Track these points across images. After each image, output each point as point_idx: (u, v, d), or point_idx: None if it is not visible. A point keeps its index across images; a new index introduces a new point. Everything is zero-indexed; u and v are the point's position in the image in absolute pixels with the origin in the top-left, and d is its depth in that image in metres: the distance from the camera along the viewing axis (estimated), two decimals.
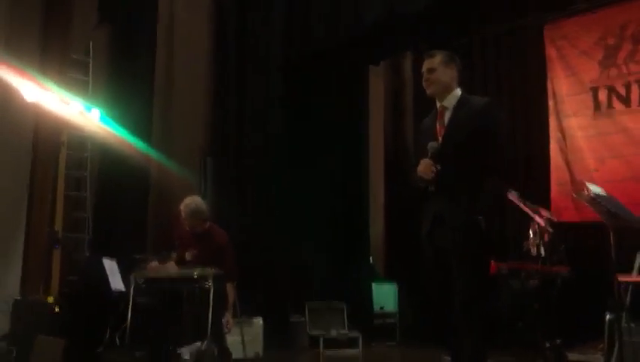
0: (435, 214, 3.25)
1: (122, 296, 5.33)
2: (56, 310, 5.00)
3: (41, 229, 5.73)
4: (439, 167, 3.18)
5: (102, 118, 6.28)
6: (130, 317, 5.10)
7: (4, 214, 5.71)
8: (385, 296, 7.59)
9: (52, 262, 5.73)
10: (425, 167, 3.21)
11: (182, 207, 5.35)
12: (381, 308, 7.49)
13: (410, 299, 7.61)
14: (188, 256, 5.33)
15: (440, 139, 3.25)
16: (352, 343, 6.65)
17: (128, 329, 5.09)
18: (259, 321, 5.98)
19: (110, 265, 5.45)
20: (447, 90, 3.32)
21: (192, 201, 5.39)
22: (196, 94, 7.27)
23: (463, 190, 3.16)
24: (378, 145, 8.70)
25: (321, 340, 6.51)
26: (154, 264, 5.23)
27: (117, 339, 5.35)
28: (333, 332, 6.66)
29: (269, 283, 6.92)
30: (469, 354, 3.19)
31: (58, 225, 5.90)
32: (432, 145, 3.23)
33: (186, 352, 5.33)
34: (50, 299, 5.25)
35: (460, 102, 3.30)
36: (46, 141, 5.90)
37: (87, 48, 6.66)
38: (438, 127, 3.30)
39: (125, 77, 6.74)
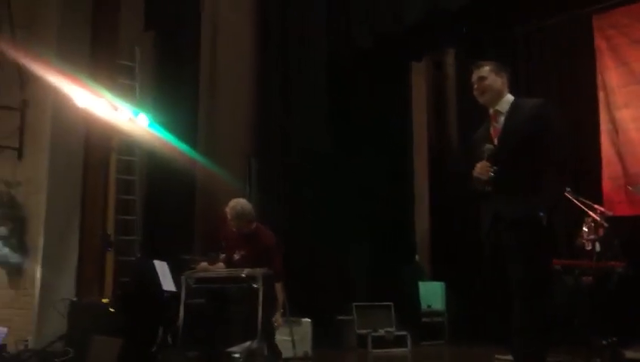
0: (494, 213, 3.26)
1: (174, 296, 5.40)
2: (111, 311, 5.11)
3: (94, 232, 5.86)
4: (496, 168, 3.21)
5: (149, 123, 6.39)
6: (182, 318, 5.19)
7: (59, 218, 5.86)
8: (432, 294, 7.52)
9: (105, 265, 5.85)
10: (482, 169, 3.24)
11: (227, 209, 5.39)
12: (429, 306, 7.42)
13: (458, 298, 7.53)
14: (236, 256, 5.38)
15: (495, 142, 3.28)
16: (400, 342, 6.62)
17: (180, 330, 5.17)
18: (307, 321, 6.00)
19: (161, 267, 5.54)
20: (500, 95, 3.36)
21: (237, 203, 5.41)
22: (240, 96, 7.34)
23: (521, 189, 3.18)
24: (422, 143, 8.63)
25: (369, 339, 6.50)
26: (203, 264, 5.30)
27: (169, 339, 5.43)
28: (381, 331, 6.64)
29: (317, 283, 6.93)
30: (528, 352, 3.18)
31: (110, 228, 6.02)
32: (488, 147, 3.26)
33: (236, 351, 5.39)
34: (105, 300, 5.37)
35: (513, 106, 3.34)
36: (97, 146, 6.03)
37: (134, 54, 6.78)
38: (492, 131, 3.34)
39: (171, 81, 6.85)
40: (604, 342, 4.80)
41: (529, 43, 7.45)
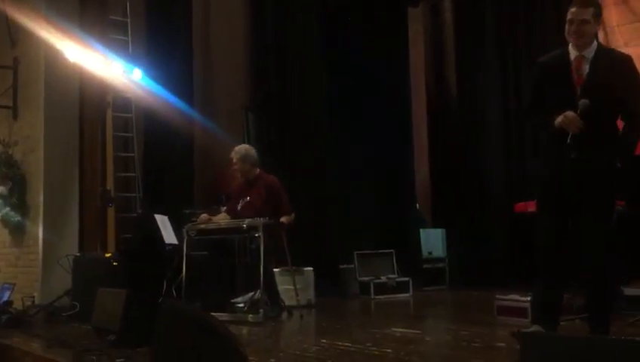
0: (568, 160, 3.24)
1: (176, 249, 5.46)
2: (115, 264, 5.17)
3: (93, 189, 5.89)
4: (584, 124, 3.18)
5: (143, 78, 6.33)
6: (185, 269, 5.25)
7: (58, 176, 5.88)
8: (433, 241, 7.58)
9: (107, 221, 5.90)
10: (572, 123, 3.19)
11: (232, 154, 5.48)
12: (429, 253, 7.49)
13: (458, 244, 7.60)
14: (240, 205, 5.43)
15: (578, 89, 3.27)
16: (402, 288, 6.71)
17: (184, 281, 5.25)
18: (310, 270, 6.07)
19: (162, 220, 5.57)
20: (591, 41, 3.31)
21: (242, 147, 5.58)
22: (235, 48, 7.25)
23: (600, 137, 3.21)
24: (420, 91, 8.55)
25: (372, 285, 6.58)
26: (204, 216, 5.34)
27: (174, 291, 5.50)
28: (383, 278, 6.72)
29: (319, 233, 6.98)
30: (604, 296, 3.37)
31: (110, 185, 6.04)
32: (583, 102, 3.20)
33: (240, 301, 5.47)
34: (109, 255, 5.43)
35: (598, 53, 3.30)
36: (92, 102, 6.00)
37: (125, 8, 6.67)
38: (575, 77, 3.29)
39: (164, 36, 6.73)
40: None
41: None
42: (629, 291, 5.02)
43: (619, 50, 6.33)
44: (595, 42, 3.32)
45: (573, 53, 3.31)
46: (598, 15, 3.31)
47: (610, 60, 3.28)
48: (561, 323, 3.68)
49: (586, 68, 3.27)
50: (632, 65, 3.28)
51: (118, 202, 6.20)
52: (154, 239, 5.47)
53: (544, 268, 3.45)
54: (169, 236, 5.56)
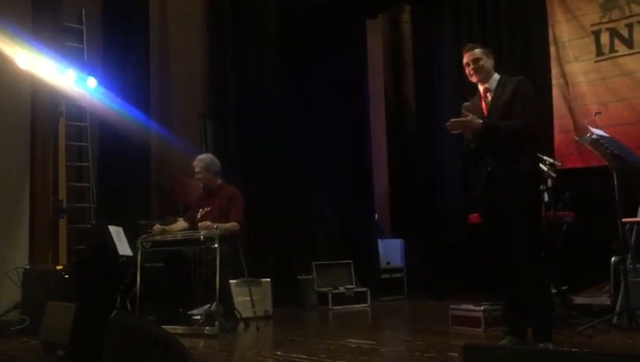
0: (486, 175, 3.75)
1: (130, 261, 5.37)
2: (66, 277, 5.04)
3: (45, 200, 5.73)
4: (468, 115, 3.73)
5: (98, 87, 6.23)
6: (140, 282, 5.16)
7: (8, 186, 5.71)
8: (391, 251, 7.64)
9: (58, 232, 5.75)
10: (459, 125, 3.74)
11: (196, 162, 5.48)
12: (388, 263, 7.54)
13: (416, 254, 7.67)
14: (200, 214, 5.39)
15: (485, 114, 3.84)
16: (360, 298, 6.73)
17: (138, 294, 5.15)
18: (267, 281, 6.04)
19: (116, 231, 5.47)
20: (490, 74, 3.89)
21: (207, 156, 5.60)
22: (192, 57, 7.20)
23: (509, 152, 3.69)
24: (379, 101, 8.63)
25: (330, 296, 6.59)
26: (158, 227, 5.27)
27: (128, 304, 5.40)
28: (341, 289, 6.73)
29: (277, 243, 6.95)
30: (539, 301, 3.63)
31: (62, 195, 5.89)
32: (465, 104, 3.84)
33: (196, 313, 5.40)
34: (59, 267, 5.29)
35: (500, 83, 3.86)
36: (44, 111, 5.85)
37: (80, 16, 6.55)
38: (483, 105, 3.86)
39: (120, 44, 6.62)
40: (554, 290, 4.95)
41: None
42: (578, 300, 5.15)
43: (569, 64, 6.62)
44: (497, 75, 3.89)
45: (480, 88, 3.91)
46: (487, 53, 3.90)
47: (509, 85, 3.80)
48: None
49: (490, 95, 3.85)
50: (523, 85, 3.80)
51: (70, 213, 6.06)
52: (107, 251, 5.37)
53: (502, 279, 3.80)
54: (123, 247, 5.46)
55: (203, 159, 5.48)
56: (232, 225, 5.16)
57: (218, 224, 5.04)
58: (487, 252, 3.90)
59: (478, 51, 3.87)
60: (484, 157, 3.78)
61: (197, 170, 5.43)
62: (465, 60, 3.90)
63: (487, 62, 3.87)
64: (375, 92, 8.43)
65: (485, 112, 3.83)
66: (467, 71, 3.90)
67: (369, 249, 7.61)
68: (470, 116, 3.72)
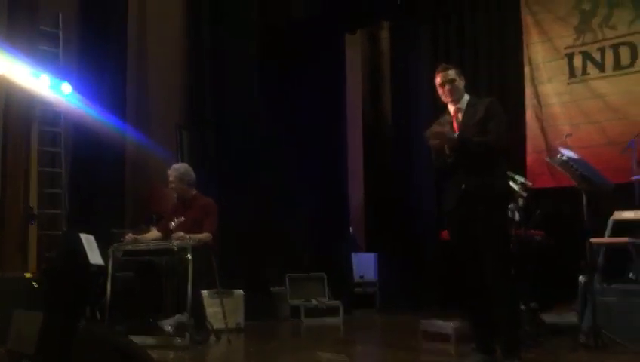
0: (460, 191, 3.77)
1: (101, 270, 5.30)
2: (35, 285, 4.96)
3: (15, 205, 5.64)
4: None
5: (74, 92, 6.18)
6: (110, 291, 5.10)
7: None
8: (365, 265, 7.67)
9: (28, 239, 5.65)
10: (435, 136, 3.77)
11: (170, 171, 5.43)
12: (361, 277, 7.57)
13: (389, 268, 7.70)
14: (173, 224, 5.35)
15: (458, 133, 3.86)
16: (332, 311, 6.73)
17: (108, 303, 5.09)
18: (239, 292, 6.01)
19: (87, 239, 5.40)
20: (462, 95, 3.96)
21: (181, 166, 5.56)
22: (171, 65, 7.16)
23: (483, 169, 3.75)
24: (356, 116, 8.68)
25: (302, 309, 6.58)
26: (130, 236, 5.21)
27: (98, 314, 5.33)
28: (314, 301, 6.73)
29: (251, 255, 6.92)
30: (509, 318, 3.67)
31: (33, 202, 5.80)
32: (438, 121, 3.91)
33: (166, 324, 5.34)
34: (28, 275, 5.20)
35: (470, 102, 3.94)
36: (17, 116, 5.76)
37: (57, 20, 6.49)
38: (455, 124, 3.91)
39: (97, 49, 6.57)
40: (524, 308, 5.01)
41: (462, 18, 7.58)
42: (547, 318, 5.22)
43: (543, 85, 6.76)
44: (467, 96, 3.96)
45: (451, 108, 3.97)
46: (460, 74, 3.97)
47: (480, 106, 3.89)
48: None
49: (461, 115, 3.92)
50: (494, 106, 3.90)
51: (42, 219, 5.97)
52: (78, 259, 5.30)
53: (466, 298, 3.85)
54: (94, 256, 5.39)
55: (177, 169, 5.45)
56: (205, 235, 5.14)
57: (191, 235, 5.01)
58: (457, 268, 3.92)
59: (452, 72, 3.93)
60: (457, 174, 3.82)
61: (171, 179, 5.40)
62: (439, 81, 3.95)
63: (461, 83, 3.95)
64: (353, 106, 8.48)
65: (457, 131, 3.88)
66: (440, 91, 3.95)
67: (343, 262, 7.63)
68: (446, 128, 3.79)
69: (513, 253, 5.08)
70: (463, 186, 3.77)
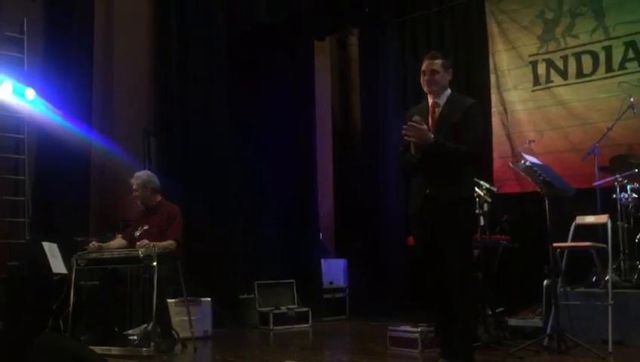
0: (425, 194, 3.68)
1: (64, 279, 5.20)
2: None
3: None
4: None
5: (38, 98, 6.08)
6: (73, 301, 5.01)
7: None
8: (334, 271, 7.67)
9: None
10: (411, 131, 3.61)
11: (133, 179, 5.41)
12: (330, 282, 7.56)
13: (359, 274, 7.71)
14: (138, 233, 5.30)
15: (432, 130, 3.69)
16: (302, 318, 6.71)
17: (71, 313, 5.00)
18: (207, 300, 5.96)
19: (50, 248, 5.30)
20: (443, 89, 3.78)
21: (144, 173, 5.52)
22: (138, 71, 7.08)
23: (449, 176, 3.65)
24: (326, 122, 8.70)
25: (271, 316, 6.54)
26: (94, 244, 5.13)
27: (61, 324, 5.23)
28: (283, 308, 6.70)
29: (218, 262, 6.86)
30: (463, 325, 3.63)
31: None
32: (416, 118, 3.66)
33: (132, 334, 5.27)
34: None
35: (450, 100, 3.76)
36: None
37: (22, 24, 6.38)
38: (430, 120, 3.74)
39: (63, 54, 6.46)
40: (490, 312, 5.07)
41: (429, 25, 7.66)
42: (512, 321, 5.28)
43: (508, 92, 6.85)
44: (449, 90, 3.79)
45: (430, 100, 3.80)
46: (447, 66, 3.77)
47: (458, 106, 3.73)
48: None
49: (438, 112, 3.75)
50: (475, 110, 3.76)
51: (4, 227, 5.85)
52: (40, 268, 5.20)
53: (431, 302, 3.80)
54: (57, 265, 5.30)
55: (140, 176, 5.40)
56: (169, 243, 5.09)
57: (155, 243, 4.95)
58: (420, 272, 3.91)
59: (438, 62, 3.73)
60: (421, 176, 3.71)
61: (134, 187, 5.36)
62: (423, 67, 3.76)
63: (444, 77, 3.75)
64: (322, 112, 8.50)
65: (431, 128, 3.72)
66: (422, 78, 3.77)
67: (312, 268, 7.61)
68: (426, 127, 3.63)
69: (478, 258, 5.15)
70: (427, 191, 3.69)
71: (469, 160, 3.76)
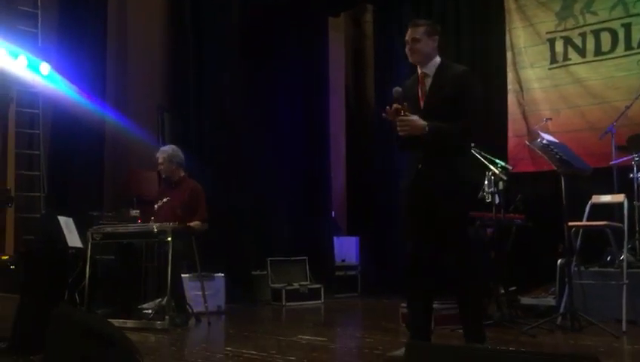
0: (419, 169, 3.45)
1: (80, 253, 5.26)
2: (12, 267, 4.91)
3: None
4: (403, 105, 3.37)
5: (52, 73, 6.08)
6: (89, 275, 5.07)
7: None
8: (346, 249, 7.69)
9: (5, 221, 5.58)
10: (390, 114, 3.40)
11: (158, 153, 5.51)
12: (343, 260, 7.59)
13: (371, 252, 7.73)
14: (159, 204, 5.38)
15: (421, 103, 3.49)
16: (314, 295, 6.75)
17: (87, 287, 5.06)
18: (220, 276, 6.00)
19: (66, 222, 5.34)
20: (429, 58, 3.52)
21: (170, 147, 5.60)
22: (151, 47, 7.07)
23: (445, 153, 3.40)
24: (339, 100, 8.66)
25: (283, 292, 6.59)
26: None
27: (77, 297, 5.29)
28: (295, 285, 6.74)
29: (232, 238, 6.90)
30: (473, 301, 3.46)
31: (10, 184, 5.73)
32: (396, 90, 3.44)
33: (147, 308, 5.33)
34: (5, 258, 5.14)
35: (440, 69, 3.51)
36: None
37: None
38: (420, 92, 3.51)
39: (77, 29, 6.45)
40: (502, 291, 5.07)
41: (445, 1, 7.56)
42: (525, 300, 5.28)
43: (525, 70, 6.75)
44: (438, 59, 3.54)
45: (419, 71, 3.55)
46: (430, 32, 3.51)
47: (450, 75, 3.49)
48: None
49: (428, 82, 3.50)
50: (468, 79, 3.51)
51: (19, 202, 5.89)
52: (56, 242, 5.25)
53: (407, 280, 3.61)
54: (73, 239, 5.34)
55: (165, 150, 5.52)
56: (199, 224, 5.25)
57: (189, 223, 5.14)
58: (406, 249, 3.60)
59: (420, 29, 3.49)
60: (416, 149, 3.46)
61: (160, 160, 5.49)
62: (406, 37, 3.54)
63: (427, 45, 3.48)
64: (336, 89, 8.46)
65: (421, 101, 3.50)
66: (406, 49, 3.54)
67: (324, 246, 7.64)
68: (415, 117, 3.36)
69: (491, 237, 5.14)
70: (420, 166, 3.45)
71: (467, 136, 3.56)
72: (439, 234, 3.43)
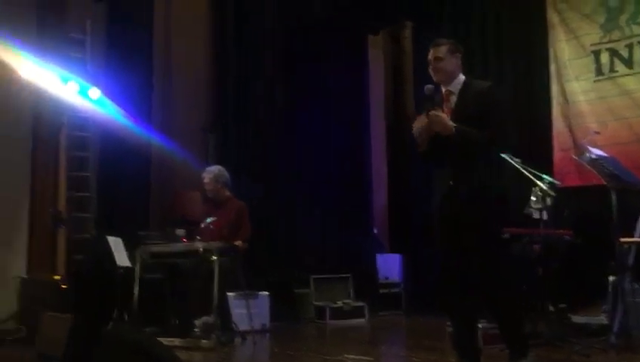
0: (445, 188, 3.45)
1: (129, 272, 5.37)
2: (63, 287, 5.05)
3: (44, 210, 5.76)
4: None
5: (101, 98, 6.27)
6: (138, 294, 5.17)
7: (8, 195, 5.73)
8: (390, 266, 7.64)
9: (57, 242, 5.76)
10: (418, 122, 3.42)
11: (205, 173, 5.62)
12: (386, 278, 7.53)
13: (414, 270, 7.65)
14: (206, 222, 5.45)
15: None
16: (357, 313, 6.72)
17: (135, 306, 5.16)
18: (265, 294, 6.04)
19: (115, 242, 5.48)
20: (453, 76, 3.54)
21: (216, 168, 5.72)
22: (196, 69, 7.23)
23: (471, 165, 3.39)
24: (379, 117, 8.67)
25: (327, 310, 6.57)
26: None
27: (125, 316, 5.40)
28: (339, 303, 6.72)
29: (275, 256, 6.95)
30: (510, 321, 3.43)
31: (62, 205, 5.91)
32: (428, 87, 3.45)
33: (194, 325, 5.39)
34: (57, 278, 5.30)
35: (465, 86, 3.53)
36: (46, 122, 5.89)
37: (85, 26, 6.60)
38: (445, 110, 3.50)
39: (124, 55, 6.67)
40: (552, 309, 4.94)
41: (484, 17, 7.51)
42: (576, 319, 5.14)
43: (569, 83, 6.63)
44: (462, 76, 3.55)
45: (443, 89, 3.56)
46: (452, 50, 3.54)
47: (475, 92, 3.50)
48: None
49: (454, 100, 3.51)
50: (493, 95, 3.53)
51: (71, 223, 6.07)
52: (106, 262, 5.38)
53: (441, 303, 3.65)
54: (122, 258, 5.47)
55: (212, 170, 5.61)
56: (241, 244, 5.30)
57: (232, 242, 5.20)
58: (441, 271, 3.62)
59: (442, 49, 3.52)
60: (444, 167, 3.47)
61: (206, 180, 5.56)
62: (429, 57, 3.56)
63: (450, 63, 3.51)
64: (376, 106, 8.47)
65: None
66: (430, 68, 3.57)
67: (367, 263, 7.61)
68: (444, 115, 3.37)
69: (539, 254, 5.03)
70: (451, 183, 3.42)
71: (492, 145, 3.50)
72: (465, 240, 3.40)
